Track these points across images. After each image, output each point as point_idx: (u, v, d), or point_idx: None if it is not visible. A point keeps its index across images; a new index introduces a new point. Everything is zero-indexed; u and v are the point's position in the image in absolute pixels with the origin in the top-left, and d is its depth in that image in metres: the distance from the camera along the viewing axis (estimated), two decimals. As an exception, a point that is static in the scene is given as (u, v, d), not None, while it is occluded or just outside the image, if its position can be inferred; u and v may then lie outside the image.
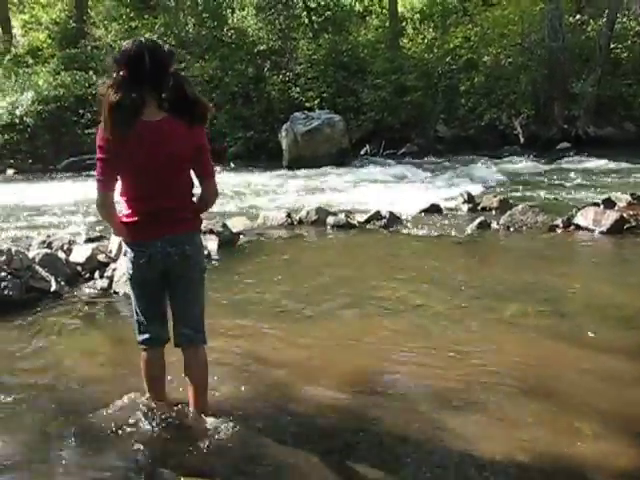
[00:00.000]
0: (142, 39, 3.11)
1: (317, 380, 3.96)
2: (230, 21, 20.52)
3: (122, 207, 3.25)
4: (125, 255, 3.34)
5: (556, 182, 11.81)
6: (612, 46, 17.97)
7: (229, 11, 21.04)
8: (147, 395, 3.55)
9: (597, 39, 18.04)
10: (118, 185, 3.18)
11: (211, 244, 7.00)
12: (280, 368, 4.12)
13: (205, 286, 3.43)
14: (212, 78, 17.77)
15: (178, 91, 3.07)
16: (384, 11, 21.53)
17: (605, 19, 17.94)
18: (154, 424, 3.40)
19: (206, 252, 6.76)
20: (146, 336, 3.41)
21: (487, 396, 3.73)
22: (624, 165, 13.78)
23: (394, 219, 8.30)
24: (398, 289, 5.76)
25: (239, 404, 3.64)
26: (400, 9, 21.20)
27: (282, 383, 3.91)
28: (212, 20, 20.12)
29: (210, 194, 3.29)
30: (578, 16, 19.23)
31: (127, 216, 3.21)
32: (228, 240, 7.20)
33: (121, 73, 3.00)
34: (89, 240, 7.35)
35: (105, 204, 3.14)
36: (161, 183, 3.13)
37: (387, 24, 20.54)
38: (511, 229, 7.95)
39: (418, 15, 21.31)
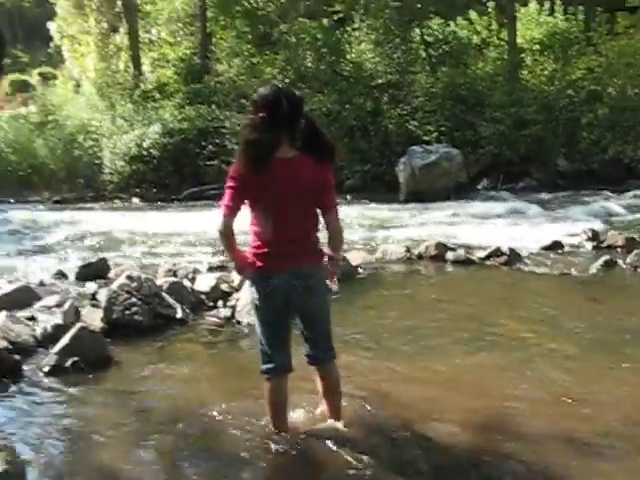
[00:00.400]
0: (279, 85, 3.48)
1: (437, 417, 3.91)
2: (348, 55, 20.83)
3: (251, 238, 3.45)
4: (251, 286, 3.49)
5: (687, 219, 11.23)
6: None
7: (347, 46, 21.37)
8: (271, 423, 3.62)
9: None
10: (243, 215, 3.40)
11: (330, 277, 7.03)
12: (399, 404, 4.09)
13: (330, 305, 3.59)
14: (330, 112, 18.04)
15: (310, 131, 3.34)
16: (502, 43, 21.26)
17: None
18: (281, 451, 3.45)
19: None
20: (270, 365, 3.52)
21: (607, 443, 3.58)
22: None
23: (515, 256, 8.10)
24: (516, 328, 5.63)
25: (363, 438, 3.64)
26: (519, 40, 20.86)
27: (402, 419, 3.88)
28: (330, 55, 20.49)
29: (334, 227, 3.45)
30: None
31: (256, 247, 3.41)
32: (347, 273, 7.22)
33: (260, 115, 3.28)
34: (211, 269, 7.59)
35: (226, 230, 3.33)
36: (290, 216, 3.33)
37: (505, 56, 20.26)
38: (639, 269, 7.60)
39: (537, 46, 20.89)
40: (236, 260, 3.47)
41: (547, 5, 22.12)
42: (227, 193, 3.33)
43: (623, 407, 4.05)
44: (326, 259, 3.51)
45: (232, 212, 3.31)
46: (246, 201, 3.36)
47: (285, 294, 3.37)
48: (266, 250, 3.37)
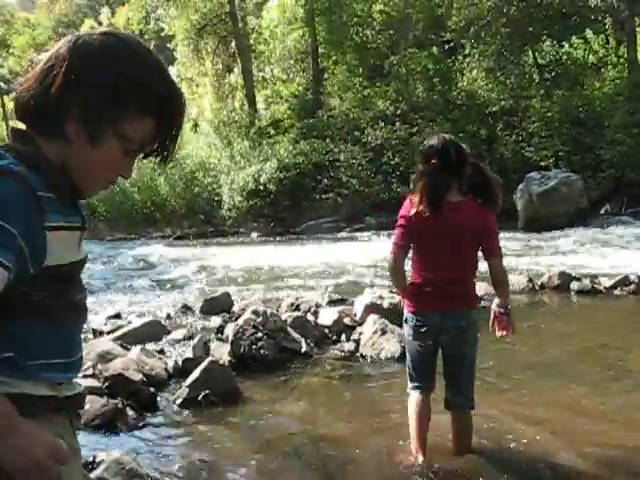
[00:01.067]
0: (445, 136, 3.63)
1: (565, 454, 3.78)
2: (460, 83, 20.74)
3: (410, 276, 3.66)
4: (406, 322, 3.71)
5: None
6: None
7: (458, 74, 21.29)
8: (412, 445, 3.71)
9: None
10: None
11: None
12: (523, 440, 3.99)
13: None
14: (444, 141, 17.98)
15: (478, 176, 3.54)
16: (621, 60, 20.59)
17: None
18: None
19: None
20: (415, 384, 3.74)
21: None
22: None
23: (644, 284, 7.78)
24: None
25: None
26: (640, 58, 20.18)
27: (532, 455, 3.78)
28: (442, 84, 20.48)
29: (497, 273, 3.55)
30: None
31: (414, 285, 3.62)
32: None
33: (433, 161, 3.48)
34: (331, 302, 7.66)
35: (396, 267, 3.58)
36: (450, 257, 3.51)
37: (625, 74, 19.60)
38: None
39: (660, 63, 20.13)
40: (405, 294, 3.69)
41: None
42: (398, 232, 3.57)
43: None
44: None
45: (401, 250, 3.56)
46: (413, 240, 3.57)
47: (437, 334, 3.57)
48: (423, 289, 3.56)
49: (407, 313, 3.67)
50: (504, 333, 3.66)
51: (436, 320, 3.53)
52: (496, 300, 3.64)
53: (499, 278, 3.57)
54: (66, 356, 1.44)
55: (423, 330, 3.58)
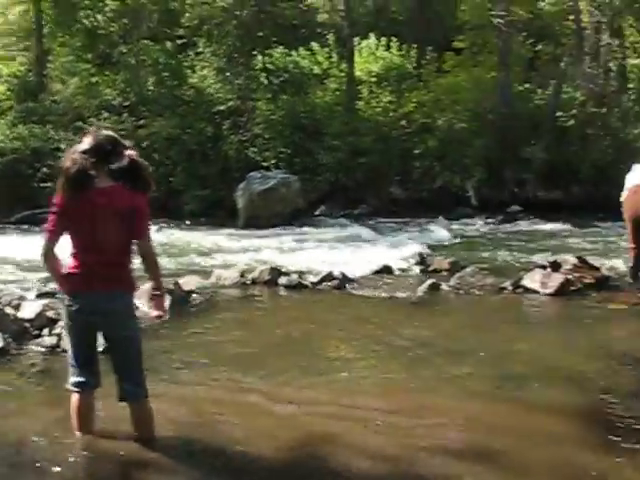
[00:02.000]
0: (99, 131, 3.81)
1: (261, 444, 3.98)
2: (190, 80, 20.76)
3: (68, 260, 3.69)
4: (63, 305, 3.73)
5: (506, 244, 12.10)
6: (559, 114, 18.65)
7: (189, 70, 21.30)
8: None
9: (545, 107, 18.74)
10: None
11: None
12: (217, 428, 4.13)
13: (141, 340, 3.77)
14: (170, 136, 17.90)
15: (129, 164, 3.65)
16: (342, 74, 22.00)
17: (552, 89, 18.71)
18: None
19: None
20: (75, 379, 3.74)
21: (427, 460, 3.80)
22: (571, 228, 14.20)
23: (346, 280, 8.39)
24: (345, 350, 5.86)
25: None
26: (357, 73, 21.69)
27: (225, 442, 3.92)
28: (172, 79, 20.34)
29: (146, 254, 3.68)
30: (527, 85, 19.94)
31: (69, 267, 3.67)
32: (180, 299, 7.19)
33: (80, 150, 3.60)
34: (40, 296, 7.29)
35: (47, 252, 3.63)
36: (102, 239, 3.59)
37: (344, 87, 20.98)
38: (461, 291, 8.09)
39: (374, 79, 21.82)
40: (59, 281, 3.71)
41: (384, 41, 23.23)
42: (50, 218, 3.64)
43: (450, 416, 4.31)
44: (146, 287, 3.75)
45: (53, 235, 3.62)
46: (66, 226, 3.62)
47: (90, 315, 3.61)
48: (76, 271, 3.63)
49: (63, 295, 3.70)
50: (160, 314, 3.78)
51: (89, 301, 3.60)
52: (150, 283, 3.78)
53: (149, 260, 3.70)
54: None
55: (75, 310, 3.63)
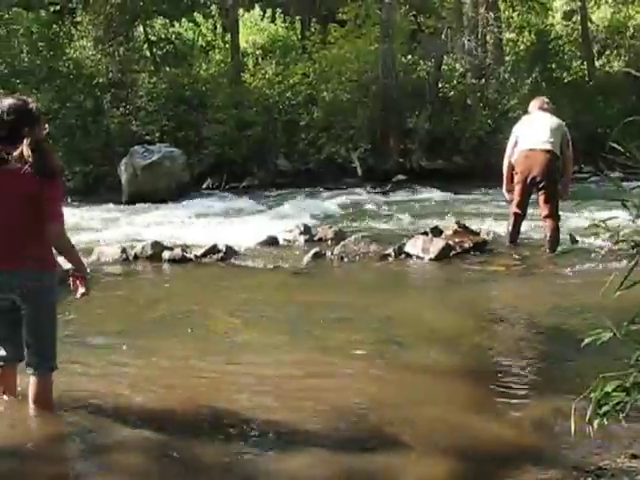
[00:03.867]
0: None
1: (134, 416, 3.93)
2: (68, 51, 19.92)
3: None
4: None
5: (390, 212, 12.32)
6: (440, 85, 19.11)
7: (67, 41, 20.42)
8: None
9: (427, 79, 19.16)
10: None
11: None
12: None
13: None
14: (48, 110, 17.11)
15: (36, 147, 3.59)
16: (227, 46, 21.72)
17: (433, 60, 19.14)
18: None
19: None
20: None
21: (312, 421, 3.84)
22: (453, 196, 14.63)
23: (231, 252, 8.33)
24: (229, 321, 5.83)
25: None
26: (242, 44, 21.47)
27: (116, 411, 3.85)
28: (48, 49, 19.45)
29: (55, 239, 3.71)
30: (410, 57, 20.30)
31: None
32: (59, 278, 6.92)
33: None
34: None
35: None
36: (14, 222, 3.66)
37: (229, 59, 20.73)
38: (345, 259, 8.20)
39: (260, 51, 21.68)
40: None
41: (269, 12, 23.10)
42: None
43: (336, 382, 4.37)
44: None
45: None
46: None
47: (7, 293, 3.68)
48: None
49: None
50: (82, 291, 3.84)
51: (4, 279, 3.66)
52: (71, 267, 3.88)
53: (59, 244, 3.74)
54: None
55: None
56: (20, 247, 3.66)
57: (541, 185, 8.38)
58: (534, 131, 8.37)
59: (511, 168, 8.60)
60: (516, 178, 8.52)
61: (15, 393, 3.96)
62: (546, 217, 8.45)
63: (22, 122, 3.59)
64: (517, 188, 8.53)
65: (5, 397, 3.94)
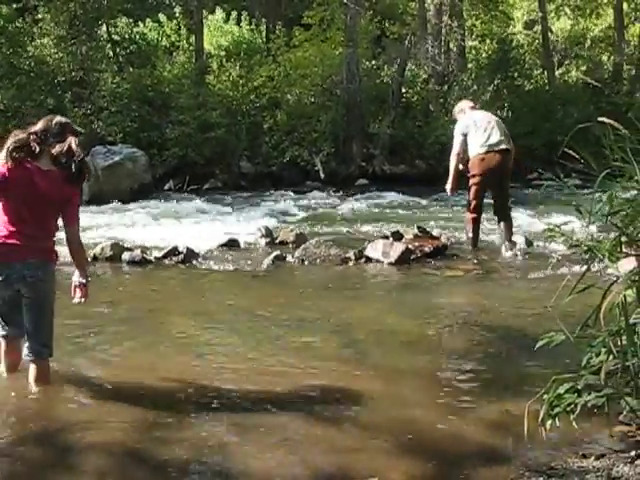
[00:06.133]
0: (54, 115, 4.30)
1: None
2: (30, 48, 19.62)
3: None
4: None
5: (352, 216, 12.39)
6: (404, 91, 19.29)
7: (28, 38, 20.11)
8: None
9: (391, 84, 19.31)
10: None
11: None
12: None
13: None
14: (8, 108, 16.90)
15: (69, 153, 3.97)
16: (191, 48, 21.64)
17: (397, 66, 19.31)
18: None
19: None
20: (2, 332, 4.22)
21: (267, 425, 3.85)
22: (414, 200, 14.75)
23: (191, 254, 8.28)
24: (188, 324, 5.80)
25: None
26: (207, 46, 21.41)
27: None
28: (8, 46, 19.14)
29: (72, 239, 4.18)
30: (374, 62, 20.45)
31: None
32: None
33: (31, 131, 3.99)
34: None
35: None
36: (34, 215, 4.01)
37: (193, 60, 20.65)
38: (305, 262, 8.22)
39: (224, 53, 21.62)
40: None
41: (234, 14, 23.06)
42: None
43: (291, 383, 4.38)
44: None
45: None
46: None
47: (15, 282, 4.00)
48: (6, 241, 4.00)
49: None
50: (80, 299, 4.23)
51: (15, 270, 3.97)
52: (76, 272, 4.24)
53: (75, 245, 4.20)
54: None
55: (1, 278, 4.00)
56: (35, 240, 4.01)
57: (499, 187, 8.50)
58: (486, 132, 8.46)
59: (459, 169, 8.66)
60: (472, 180, 8.59)
61: (15, 370, 4.29)
62: (504, 218, 8.61)
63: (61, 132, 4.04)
64: (473, 190, 8.60)
65: (5, 375, 4.30)
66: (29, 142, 3.92)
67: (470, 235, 8.86)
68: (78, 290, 4.20)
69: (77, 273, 4.22)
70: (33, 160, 3.94)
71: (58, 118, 4.13)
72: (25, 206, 3.98)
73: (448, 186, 8.83)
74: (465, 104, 9.13)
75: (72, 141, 3.98)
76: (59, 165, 3.97)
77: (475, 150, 8.45)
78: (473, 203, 8.63)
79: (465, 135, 8.56)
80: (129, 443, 3.61)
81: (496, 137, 8.40)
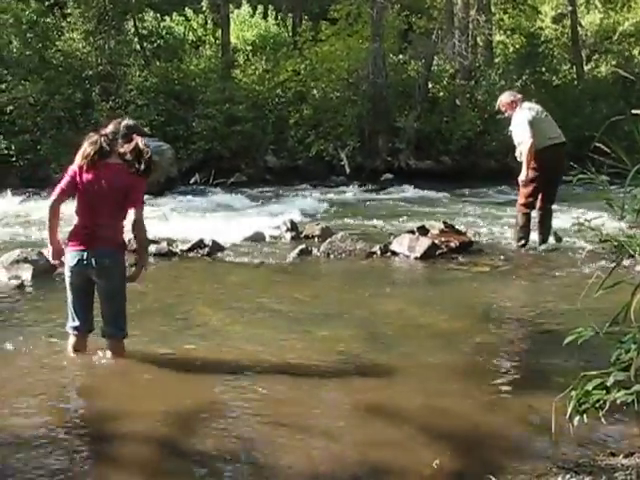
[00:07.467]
0: (126, 120, 4.72)
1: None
2: (58, 43, 19.79)
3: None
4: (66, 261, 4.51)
5: (377, 211, 12.35)
6: (430, 86, 19.17)
7: (57, 32, 20.30)
8: None
9: (417, 78, 19.21)
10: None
11: (25, 273, 6.75)
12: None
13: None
14: (37, 101, 17.05)
15: (136, 149, 4.44)
16: (217, 42, 21.69)
17: (423, 61, 19.19)
18: None
19: (20, 281, 6.54)
20: (74, 324, 4.54)
21: (297, 415, 3.85)
22: (439, 195, 14.70)
23: (217, 247, 8.31)
24: (214, 315, 5.83)
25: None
26: (233, 40, 21.45)
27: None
28: (38, 41, 19.32)
29: (136, 219, 4.53)
30: (400, 56, 20.34)
31: (75, 227, 4.46)
32: (44, 269, 6.91)
33: (103, 133, 4.48)
34: None
35: (53, 208, 4.44)
36: (103, 206, 4.39)
37: (219, 54, 20.70)
38: (331, 256, 8.21)
39: (250, 47, 21.64)
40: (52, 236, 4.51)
41: (260, 9, 23.06)
42: (64, 179, 4.44)
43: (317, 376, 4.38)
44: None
45: (62, 195, 4.43)
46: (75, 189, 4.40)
47: (85, 268, 4.37)
48: (81, 231, 4.40)
49: (66, 252, 4.47)
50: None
51: (85, 256, 4.34)
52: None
53: (138, 227, 4.57)
54: None
55: (73, 265, 4.39)
56: (105, 230, 4.38)
57: (555, 184, 8.35)
58: (548, 124, 8.32)
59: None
60: (532, 174, 8.29)
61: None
62: (549, 215, 8.48)
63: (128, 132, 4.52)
64: (533, 186, 8.36)
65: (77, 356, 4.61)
66: (102, 144, 4.33)
67: (519, 226, 8.64)
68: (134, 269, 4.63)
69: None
70: (104, 159, 4.35)
71: (126, 121, 4.60)
72: (96, 199, 4.35)
73: (523, 177, 8.40)
74: (516, 95, 8.79)
75: (139, 141, 4.41)
76: (126, 162, 4.39)
77: (542, 142, 8.21)
78: (530, 200, 8.45)
79: (532, 125, 8.24)
80: (162, 433, 3.65)
81: (556, 130, 8.32)
